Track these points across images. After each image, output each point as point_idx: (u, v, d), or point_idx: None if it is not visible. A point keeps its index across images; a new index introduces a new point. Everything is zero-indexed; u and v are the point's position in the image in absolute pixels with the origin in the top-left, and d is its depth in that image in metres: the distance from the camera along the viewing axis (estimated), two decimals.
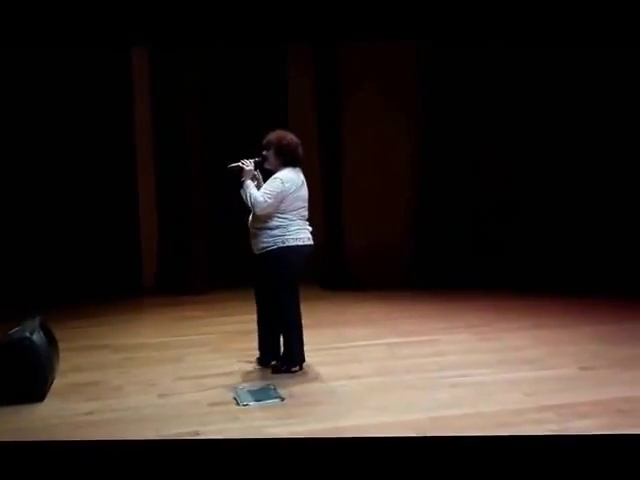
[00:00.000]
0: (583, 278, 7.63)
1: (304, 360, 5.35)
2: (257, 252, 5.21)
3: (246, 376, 5.22)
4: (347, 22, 7.59)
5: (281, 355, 5.35)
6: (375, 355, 5.69)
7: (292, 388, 4.91)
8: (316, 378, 5.14)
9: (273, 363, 5.36)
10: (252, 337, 6.28)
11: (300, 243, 5.15)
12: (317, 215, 8.46)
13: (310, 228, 5.28)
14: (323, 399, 4.73)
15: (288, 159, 5.20)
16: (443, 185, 8.45)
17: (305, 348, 5.50)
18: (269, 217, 5.10)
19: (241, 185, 5.11)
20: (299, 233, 5.16)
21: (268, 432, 4.17)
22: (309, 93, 8.49)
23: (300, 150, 5.28)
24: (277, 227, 5.11)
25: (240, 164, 5.16)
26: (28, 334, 4.89)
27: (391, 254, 8.34)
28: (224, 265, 8.42)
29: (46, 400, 4.81)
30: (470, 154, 8.42)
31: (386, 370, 5.29)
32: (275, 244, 5.11)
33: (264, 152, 5.23)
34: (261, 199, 5.03)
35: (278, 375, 5.22)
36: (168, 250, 8.31)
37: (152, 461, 3.57)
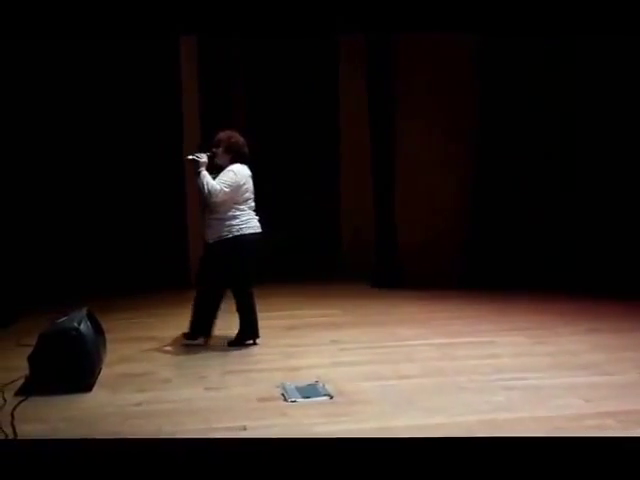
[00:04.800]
0: None
1: (258, 335, 5.88)
2: (211, 241, 5.66)
3: (293, 372, 5.15)
4: (401, 13, 7.47)
5: (239, 330, 5.86)
6: (426, 355, 5.57)
7: (341, 386, 4.82)
8: (365, 377, 5.03)
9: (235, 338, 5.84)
10: (297, 333, 6.31)
11: (252, 231, 5.67)
12: (369, 214, 8.45)
13: (257, 217, 5.76)
14: (372, 398, 4.62)
15: (236, 156, 5.69)
16: (497, 184, 8.31)
17: (354, 346, 5.67)
18: (225, 208, 5.56)
19: (198, 175, 5.53)
20: (251, 222, 5.68)
21: (316, 430, 4.08)
22: (360, 87, 8.38)
23: (246, 149, 5.75)
24: (232, 217, 5.58)
25: (196, 157, 5.56)
26: (76, 324, 4.90)
27: (443, 253, 8.23)
28: (269, 260, 8.41)
29: (94, 390, 4.81)
30: (524, 152, 8.25)
31: (437, 371, 5.17)
32: (231, 233, 5.58)
33: (214, 149, 5.68)
34: (218, 187, 5.49)
35: (321, 371, 5.14)
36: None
37: (197, 459, 3.51)
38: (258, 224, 5.74)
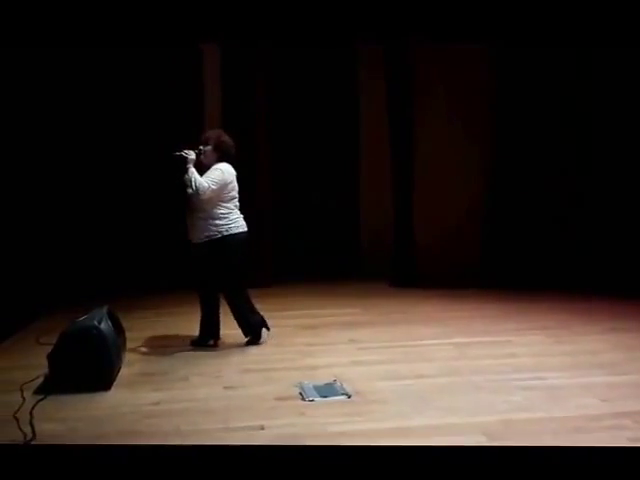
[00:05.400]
0: None
1: (267, 327, 5.90)
2: (199, 241, 5.59)
3: (311, 371, 5.15)
4: (420, 21, 7.50)
5: (246, 331, 5.84)
6: (444, 355, 5.56)
7: (358, 385, 4.82)
8: (383, 376, 5.03)
9: (247, 339, 5.85)
10: (315, 332, 6.29)
11: (241, 230, 5.63)
12: (388, 214, 8.46)
13: (242, 216, 5.72)
14: (390, 398, 4.61)
15: (223, 155, 5.65)
16: (514, 184, 8.30)
17: (372, 346, 5.66)
18: (211, 206, 5.51)
19: (185, 171, 5.47)
20: (239, 221, 5.64)
21: (333, 429, 4.09)
22: (380, 92, 8.42)
23: (234, 150, 5.73)
24: (220, 217, 5.54)
25: (184, 153, 5.51)
26: (96, 322, 4.93)
27: (461, 253, 8.23)
28: (289, 259, 8.45)
29: (113, 389, 4.84)
30: (541, 153, 8.24)
31: (455, 370, 5.15)
32: (220, 233, 5.53)
33: (201, 147, 5.62)
34: (205, 184, 5.43)
35: (339, 370, 5.13)
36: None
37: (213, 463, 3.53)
38: (244, 223, 5.70)
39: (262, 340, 5.86)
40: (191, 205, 5.56)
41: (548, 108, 8.21)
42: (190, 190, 5.45)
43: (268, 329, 5.93)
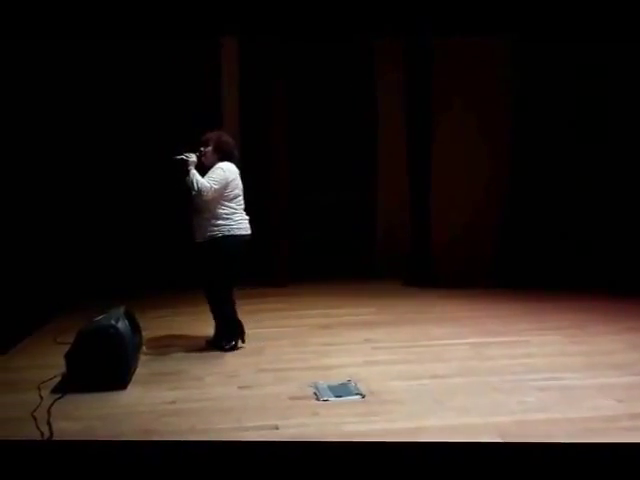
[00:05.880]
0: None
1: (243, 339, 5.80)
2: (200, 240, 5.59)
3: (326, 371, 5.16)
4: (439, 14, 7.45)
5: (219, 334, 5.76)
6: (459, 355, 5.55)
7: (373, 385, 4.83)
8: (398, 376, 5.03)
9: (213, 340, 5.80)
10: (330, 331, 6.29)
11: (242, 232, 5.60)
12: (404, 213, 8.44)
13: (248, 217, 5.69)
14: (404, 398, 4.61)
15: (224, 156, 5.63)
16: (531, 183, 8.23)
17: (388, 345, 5.68)
18: (215, 206, 5.51)
19: (187, 173, 5.48)
20: (241, 223, 5.61)
21: (347, 429, 4.10)
22: (397, 88, 8.42)
23: (236, 151, 5.76)
24: (223, 217, 5.53)
25: (184, 156, 5.53)
26: (113, 322, 4.97)
27: (477, 253, 8.17)
28: (305, 258, 8.45)
29: (129, 388, 4.88)
30: (558, 152, 8.18)
31: (470, 370, 5.15)
32: (221, 232, 5.51)
33: (202, 148, 5.63)
34: (207, 185, 5.43)
35: (354, 370, 5.15)
36: (251, 242, 8.34)
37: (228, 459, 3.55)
38: (248, 225, 5.67)
39: (229, 349, 5.71)
40: (196, 206, 5.56)
41: (567, 106, 8.11)
42: (193, 192, 5.45)
43: (243, 341, 5.81)
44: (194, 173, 5.49)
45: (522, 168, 8.22)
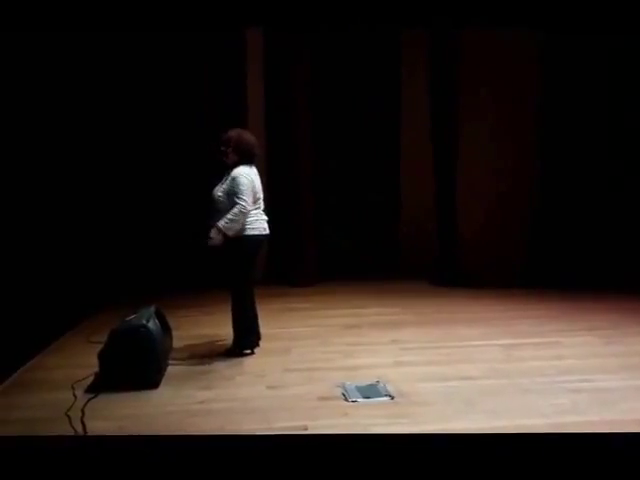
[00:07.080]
0: None
1: (257, 345, 5.73)
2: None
3: (354, 371, 5.15)
4: (466, 5, 7.37)
5: (236, 340, 5.67)
6: (489, 356, 5.49)
7: (402, 386, 4.81)
8: (427, 377, 5.01)
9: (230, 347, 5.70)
10: (357, 331, 6.28)
11: (257, 233, 5.52)
12: (430, 212, 8.38)
13: (266, 217, 5.63)
14: (433, 400, 4.59)
15: (245, 156, 5.54)
16: (560, 180, 8.13)
17: (415, 346, 5.64)
18: (232, 209, 5.36)
19: (222, 231, 5.36)
20: (255, 224, 5.51)
21: (376, 431, 4.08)
22: (422, 86, 8.36)
23: (256, 150, 5.63)
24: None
25: (210, 240, 5.39)
26: (144, 321, 5.01)
27: (505, 252, 8.07)
28: (332, 258, 8.44)
29: (160, 387, 4.92)
30: (587, 151, 8.06)
31: (501, 372, 5.10)
32: (240, 232, 5.42)
33: (223, 148, 5.55)
34: (241, 203, 5.35)
35: (382, 371, 5.12)
36: (278, 242, 8.35)
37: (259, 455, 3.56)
38: (265, 226, 5.59)
39: (246, 353, 5.66)
40: (217, 206, 5.48)
41: (596, 99, 7.99)
42: (239, 222, 5.36)
43: (253, 351, 5.71)
44: (222, 224, 5.35)
45: (553, 166, 8.11)
